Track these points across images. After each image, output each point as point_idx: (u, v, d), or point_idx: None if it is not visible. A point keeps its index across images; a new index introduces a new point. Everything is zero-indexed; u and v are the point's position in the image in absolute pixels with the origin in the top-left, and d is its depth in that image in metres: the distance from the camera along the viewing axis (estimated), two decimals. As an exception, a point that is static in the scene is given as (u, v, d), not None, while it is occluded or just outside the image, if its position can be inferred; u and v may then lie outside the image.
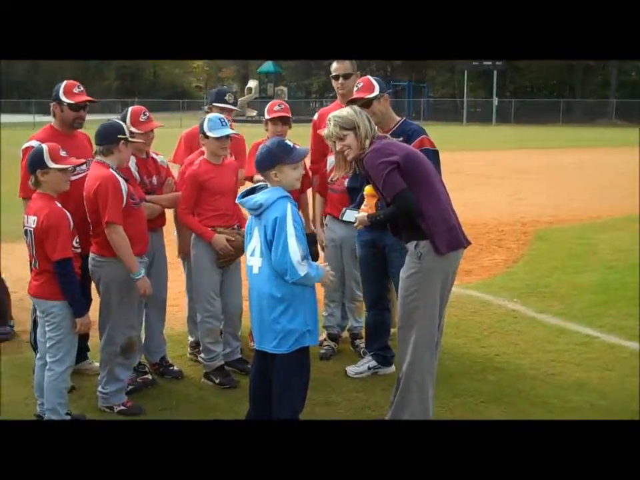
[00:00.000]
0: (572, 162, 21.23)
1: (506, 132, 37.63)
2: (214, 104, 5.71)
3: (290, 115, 5.71)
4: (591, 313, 6.73)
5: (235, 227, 5.18)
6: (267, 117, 5.68)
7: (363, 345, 5.74)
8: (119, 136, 4.61)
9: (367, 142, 4.26)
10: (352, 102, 4.75)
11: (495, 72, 47.62)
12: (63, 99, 5.04)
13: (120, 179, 4.56)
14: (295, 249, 3.82)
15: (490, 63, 47.26)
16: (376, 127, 4.38)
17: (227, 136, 5.06)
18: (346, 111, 4.35)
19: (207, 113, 5.60)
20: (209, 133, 5.01)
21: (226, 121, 5.12)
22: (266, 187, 4.06)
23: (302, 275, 3.84)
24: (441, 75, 55.83)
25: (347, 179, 5.29)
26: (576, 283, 7.79)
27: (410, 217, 4.19)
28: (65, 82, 5.15)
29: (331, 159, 5.41)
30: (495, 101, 47.49)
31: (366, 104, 4.80)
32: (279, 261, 3.83)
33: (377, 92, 4.93)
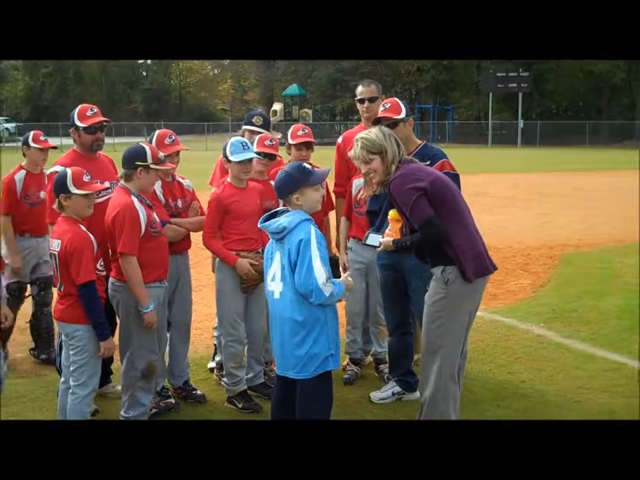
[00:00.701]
0: (599, 185, 21.03)
1: (531, 154, 37.44)
2: (244, 127, 5.82)
3: (313, 140, 5.71)
4: (619, 338, 6.62)
5: (259, 250, 5.16)
6: (290, 141, 5.69)
7: (387, 370, 5.68)
8: (136, 162, 4.60)
9: (393, 167, 4.22)
10: (378, 121, 4.74)
11: (521, 94, 47.47)
12: (78, 123, 5.10)
13: (139, 207, 4.54)
14: (320, 271, 3.81)
15: (515, 85, 47.14)
16: (403, 150, 4.34)
17: (249, 159, 5.08)
18: (374, 134, 4.30)
19: (242, 135, 5.68)
20: (230, 157, 5.03)
21: (248, 144, 5.14)
22: (287, 210, 4.05)
23: (327, 295, 3.83)
24: (465, 97, 55.76)
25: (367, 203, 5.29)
26: (602, 307, 7.67)
27: (438, 243, 4.15)
28: (78, 107, 5.21)
29: (356, 182, 5.39)
30: (521, 123, 47.30)
31: (392, 125, 4.78)
32: (304, 283, 3.81)
33: (403, 114, 4.93)
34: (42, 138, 6.10)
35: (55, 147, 6.47)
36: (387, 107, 4.97)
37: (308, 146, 5.66)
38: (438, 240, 4.14)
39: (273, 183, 5.37)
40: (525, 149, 42.97)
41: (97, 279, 4.33)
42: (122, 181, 4.68)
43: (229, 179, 5.16)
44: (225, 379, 5.30)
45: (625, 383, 5.52)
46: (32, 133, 6.20)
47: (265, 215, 4.14)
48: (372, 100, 5.67)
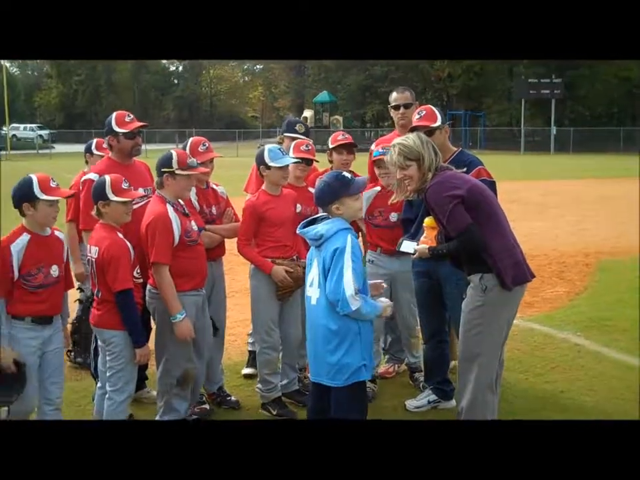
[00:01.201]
0: (633, 192, 20.71)
1: (565, 161, 37.10)
2: (285, 134, 5.82)
3: (354, 143, 5.67)
4: (657, 348, 6.51)
5: (294, 258, 5.16)
6: (330, 146, 5.67)
7: (422, 379, 5.62)
8: (162, 169, 4.62)
9: (430, 174, 4.18)
10: (414, 130, 4.71)
11: (553, 100, 47.06)
12: (118, 129, 5.11)
13: (173, 216, 4.54)
14: (350, 282, 3.78)
15: (548, 91, 46.71)
16: (441, 158, 4.29)
17: (288, 165, 5.08)
18: (412, 140, 4.26)
19: (280, 142, 5.68)
20: (270, 163, 5.01)
21: (285, 150, 5.15)
22: (327, 217, 4.03)
23: (353, 309, 3.78)
24: (497, 103, 55.39)
25: (401, 212, 5.25)
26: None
27: (475, 252, 4.11)
28: (114, 114, 5.23)
29: (366, 195, 5.30)
30: (553, 129, 46.86)
31: (428, 133, 4.73)
32: (332, 291, 3.80)
33: (439, 122, 4.88)
34: (104, 145, 5.99)
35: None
36: (422, 114, 4.91)
37: (348, 149, 5.61)
38: (475, 248, 4.10)
39: (311, 190, 5.39)
40: (558, 156, 42.57)
41: (133, 286, 4.35)
42: (157, 189, 4.70)
43: (264, 187, 5.15)
44: (259, 386, 5.29)
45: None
46: (95, 140, 6.26)
47: (304, 222, 4.12)
48: (407, 106, 5.63)
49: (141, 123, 5.24)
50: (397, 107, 5.69)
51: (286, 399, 5.31)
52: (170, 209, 4.57)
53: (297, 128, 5.83)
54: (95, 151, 6.14)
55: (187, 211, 4.72)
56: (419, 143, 4.23)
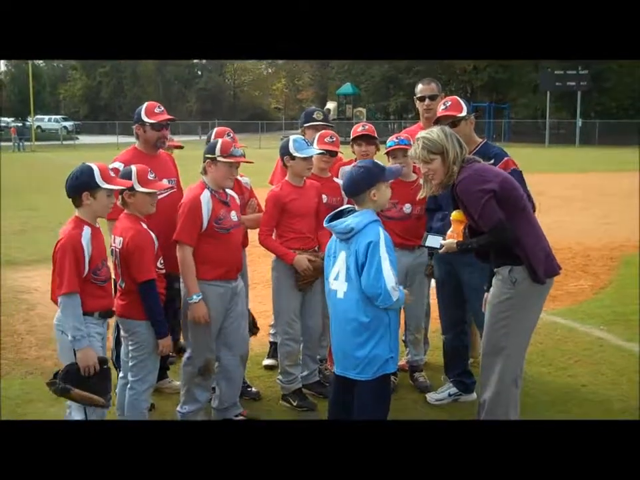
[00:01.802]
0: (660, 185, 20.50)
1: (590, 154, 36.71)
2: (304, 125, 5.83)
3: (374, 134, 5.57)
4: (683, 343, 6.44)
5: (315, 249, 5.15)
6: (351, 137, 5.65)
7: (422, 379, 5.58)
8: (206, 155, 4.67)
9: (455, 167, 4.12)
10: (439, 120, 4.66)
11: (579, 92, 46.57)
12: (146, 119, 5.13)
13: (207, 201, 4.56)
14: (390, 274, 3.78)
15: (574, 83, 46.25)
16: (466, 150, 4.23)
17: (312, 156, 5.07)
18: (436, 134, 4.18)
19: (303, 134, 5.66)
20: (295, 154, 5.01)
21: (309, 142, 5.14)
22: (353, 210, 4.00)
23: (394, 299, 3.79)
24: (522, 95, 54.90)
25: (415, 203, 5.22)
26: (665, 311, 7.47)
27: (507, 246, 4.06)
28: (146, 103, 5.26)
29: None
30: (579, 121, 46.39)
31: (454, 123, 4.69)
32: (372, 285, 3.77)
33: (465, 112, 4.82)
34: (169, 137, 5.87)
35: (180, 147, 6.50)
36: (448, 105, 4.83)
37: (367, 140, 5.52)
38: (507, 242, 4.05)
39: (337, 180, 5.37)
40: (583, 149, 42.17)
41: (157, 277, 4.37)
42: (202, 175, 4.74)
43: (287, 177, 5.15)
44: (279, 377, 5.31)
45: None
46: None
47: (330, 214, 4.09)
48: (432, 98, 5.57)
49: (169, 117, 5.26)
50: (422, 99, 5.64)
51: (306, 391, 5.32)
52: (206, 193, 4.60)
53: (315, 116, 5.82)
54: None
55: (227, 200, 4.72)
56: (442, 136, 4.15)
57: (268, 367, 5.95)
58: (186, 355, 4.81)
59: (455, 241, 4.25)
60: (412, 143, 5.12)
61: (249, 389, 5.41)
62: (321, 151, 5.24)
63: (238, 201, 4.95)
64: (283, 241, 5.11)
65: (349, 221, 3.89)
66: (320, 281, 5.24)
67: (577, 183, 21.25)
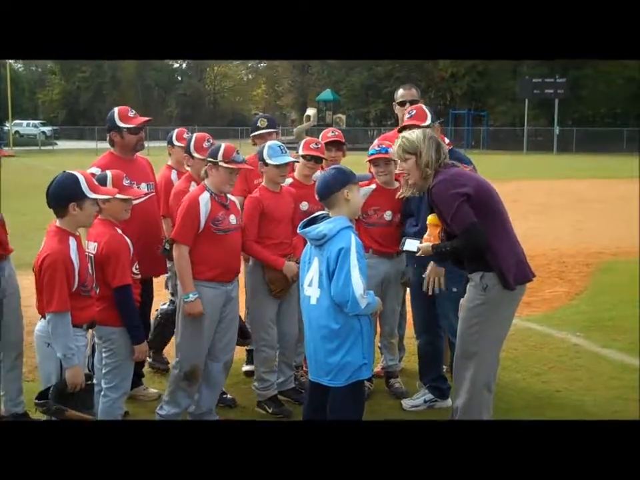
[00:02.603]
0: (636, 192, 20.69)
1: (568, 161, 37.01)
2: (252, 135, 5.80)
3: (342, 140, 5.65)
4: (658, 348, 6.50)
5: (291, 255, 5.15)
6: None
7: (398, 385, 5.59)
8: (208, 159, 4.70)
9: (429, 170, 4.16)
10: (403, 129, 4.71)
11: (557, 100, 46.97)
12: (121, 125, 5.12)
13: (205, 202, 4.59)
14: (358, 282, 3.76)
15: (552, 91, 46.64)
16: (446, 156, 4.25)
17: (287, 163, 5.07)
18: (415, 134, 4.25)
19: (254, 145, 5.65)
20: (268, 160, 5.01)
21: (286, 148, 5.14)
22: (327, 216, 4.00)
23: (362, 307, 3.78)
24: (501, 103, 55.26)
25: (396, 210, 5.27)
26: (641, 317, 7.54)
27: (479, 250, 4.10)
28: (116, 109, 5.23)
29: (361, 191, 5.29)
30: (557, 129, 46.77)
31: None
32: (341, 293, 3.77)
33: (429, 121, 4.89)
34: (185, 135, 5.79)
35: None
36: (413, 114, 4.94)
37: (337, 146, 5.61)
38: (479, 247, 4.08)
39: None
40: (561, 156, 42.51)
41: (132, 282, 4.35)
42: (203, 180, 4.77)
43: (264, 183, 5.15)
44: (255, 383, 5.29)
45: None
46: (175, 131, 5.93)
47: (304, 221, 4.08)
48: (413, 103, 5.58)
49: (145, 118, 5.25)
50: (402, 103, 5.67)
51: (282, 397, 5.31)
52: (205, 194, 4.63)
53: (259, 124, 5.76)
54: (175, 142, 5.79)
55: (227, 204, 4.74)
56: (421, 137, 4.20)
57: (248, 373, 5.91)
58: (175, 357, 4.82)
59: (431, 244, 4.29)
60: (391, 151, 5.19)
61: (225, 396, 5.39)
62: (294, 160, 5.24)
63: (239, 206, 4.95)
64: (261, 247, 5.08)
65: (322, 227, 3.89)
66: (297, 287, 5.25)
67: (553, 190, 21.43)
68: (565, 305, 8.27)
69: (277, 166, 5.01)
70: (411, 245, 4.60)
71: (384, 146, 5.25)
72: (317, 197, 4.10)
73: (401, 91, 5.78)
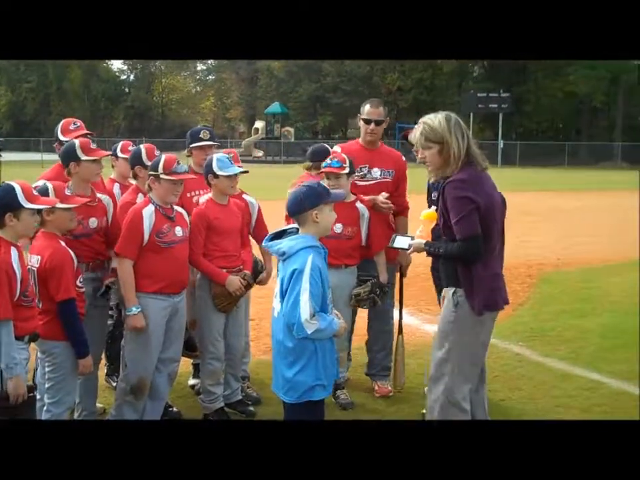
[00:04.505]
0: (578, 205, 21.22)
1: (511, 174, 37.59)
2: (191, 146, 5.55)
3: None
4: (598, 357, 6.67)
5: (240, 268, 5.15)
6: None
7: (344, 396, 5.60)
8: (150, 172, 4.70)
9: (454, 163, 3.93)
10: (404, 138, 4.73)
11: (501, 114, 47.85)
12: (62, 138, 5.13)
13: (149, 215, 4.59)
14: (306, 306, 3.62)
15: (496, 105, 47.50)
16: (470, 142, 4.00)
17: (237, 174, 5.11)
18: (439, 120, 3.96)
19: (188, 156, 5.60)
20: (219, 172, 5.01)
21: (232, 159, 5.19)
22: (294, 231, 3.89)
23: (309, 332, 3.64)
24: (446, 117, 56.02)
25: (348, 224, 5.32)
26: (583, 326, 7.73)
27: (468, 263, 3.95)
28: (61, 122, 5.24)
29: None
30: (501, 143, 47.61)
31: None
32: (288, 315, 3.68)
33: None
34: (129, 148, 5.68)
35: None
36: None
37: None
38: (473, 261, 3.94)
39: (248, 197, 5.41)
40: (505, 169, 43.18)
41: (76, 296, 4.30)
42: (147, 191, 4.77)
43: (211, 196, 5.15)
44: (201, 396, 5.28)
45: (603, 403, 5.56)
46: (120, 143, 5.81)
47: (271, 233, 4.01)
48: (378, 123, 5.53)
49: (85, 132, 5.21)
50: (367, 121, 5.56)
51: (228, 410, 5.30)
52: (150, 207, 4.63)
53: (201, 136, 5.55)
54: (120, 155, 5.67)
55: (172, 216, 4.73)
56: (445, 125, 3.94)
57: (194, 387, 5.87)
58: (121, 370, 4.78)
59: (424, 241, 4.14)
60: (344, 165, 5.22)
61: (170, 409, 5.34)
62: (245, 170, 5.26)
63: (186, 217, 4.92)
64: (209, 259, 5.07)
65: (283, 244, 3.78)
66: (245, 300, 5.26)
67: (498, 203, 21.70)
68: (508, 315, 8.37)
69: (228, 177, 5.03)
70: (401, 241, 4.40)
71: (335, 159, 5.30)
72: (286, 213, 3.98)
73: (367, 107, 5.60)
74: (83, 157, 4.64)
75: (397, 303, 6.01)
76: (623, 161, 47.18)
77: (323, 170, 5.31)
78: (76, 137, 5.07)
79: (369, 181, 5.64)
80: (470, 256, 3.93)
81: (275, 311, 3.87)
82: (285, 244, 3.79)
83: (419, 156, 4.14)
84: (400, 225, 5.75)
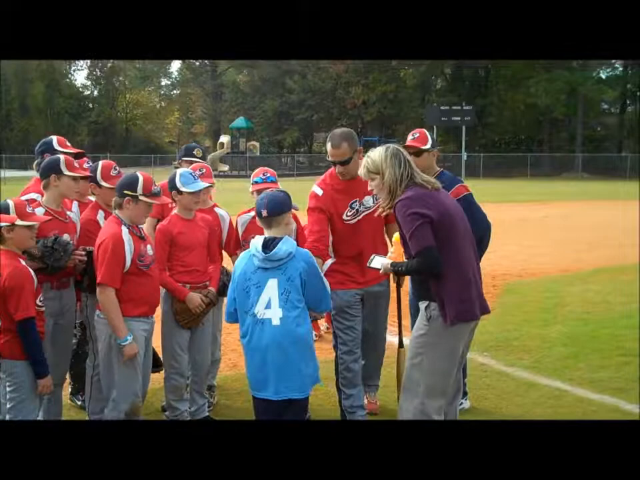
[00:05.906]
0: (540, 215, 21.49)
1: (475, 186, 37.73)
2: (183, 159, 5.97)
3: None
4: (561, 365, 6.73)
5: (205, 284, 5.13)
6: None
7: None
8: (124, 191, 4.55)
9: (397, 188, 4.09)
10: (406, 148, 4.73)
11: (464, 127, 48.37)
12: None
13: (127, 238, 4.48)
14: (327, 283, 4.18)
15: (459, 118, 47.95)
16: (413, 173, 4.12)
17: (200, 190, 5.08)
18: (378, 153, 4.17)
19: (177, 167, 5.65)
20: (182, 189, 5.00)
21: (196, 174, 5.18)
22: (275, 238, 4.00)
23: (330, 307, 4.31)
24: (410, 130, 56.06)
25: None
26: (546, 336, 7.80)
27: (430, 276, 4.01)
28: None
29: (241, 219, 5.46)
30: (464, 155, 48.08)
31: (417, 154, 4.98)
32: (321, 299, 4.10)
33: (429, 145, 5.16)
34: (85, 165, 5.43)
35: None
36: (416, 136, 5.23)
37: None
38: (431, 272, 3.99)
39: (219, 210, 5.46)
40: (469, 181, 43.10)
41: (36, 315, 4.24)
42: (115, 210, 4.61)
43: (176, 211, 5.13)
44: (166, 412, 5.23)
45: (567, 411, 5.59)
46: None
47: (261, 245, 4.03)
48: (344, 163, 5.01)
49: (79, 150, 5.43)
50: (332, 163, 5.09)
51: (195, 426, 5.26)
52: (125, 230, 4.50)
53: (194, 152, 6.05)
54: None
55: (142, 234, 4.66)
56: (382, 157, 4.14)
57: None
58: (110, 401, 4.62)
59: (390, 262, 4.26)
60: (276, 180, 5.30)
61: (136, 427, 5.30)
62: (209, 184, 5.26)
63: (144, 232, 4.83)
64: (172, 274, 5.05)
65: (285, 247, 3.96)
66: (209, 315, 5.22)
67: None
68: (473, 325, 8.46)
69: (192, 193, 5.01)
70: (376, 262, 4.46)
71: (269, 175, 5.31)
72: (264, 212, 3.99)
73: (329, 147, 5.03)
74: (66, 172, 4.65)
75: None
76: (583, 171, 48.00)
77: (256, 186, 5.27)
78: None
79: (366, 210, 5.18)
80: (428, 267, 3.98)
81: (275, 320, 3.90)
82: (285, 246, 3.95)
83: (368, 188, 4.33)
84: (391, 232, 5.66)
